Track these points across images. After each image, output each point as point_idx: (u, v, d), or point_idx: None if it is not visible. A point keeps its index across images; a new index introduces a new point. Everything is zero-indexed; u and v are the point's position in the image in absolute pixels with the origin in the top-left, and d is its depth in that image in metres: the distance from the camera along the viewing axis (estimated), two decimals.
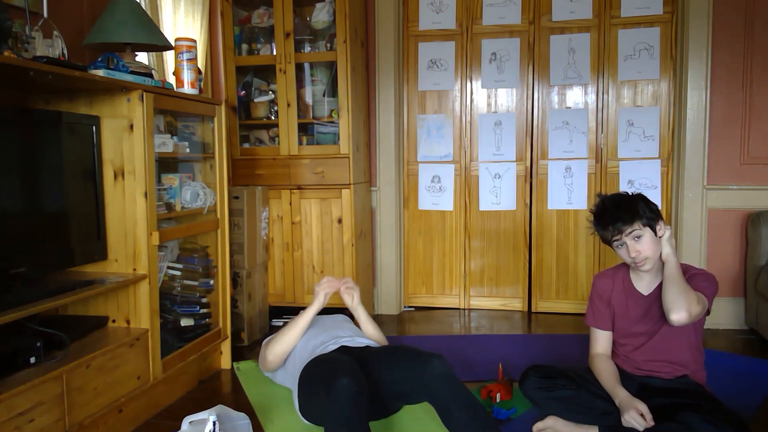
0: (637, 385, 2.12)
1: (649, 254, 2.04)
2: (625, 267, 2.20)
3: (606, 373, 2.12)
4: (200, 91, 2.73)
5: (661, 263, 2.08)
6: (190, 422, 2.01)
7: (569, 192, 3.85)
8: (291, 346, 2.49)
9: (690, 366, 2.10)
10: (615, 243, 2.08)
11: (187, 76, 2.65)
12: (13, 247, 2.01)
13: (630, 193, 2.12)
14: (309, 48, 3.66)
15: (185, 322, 2.78)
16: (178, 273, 2.79)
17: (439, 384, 2.00)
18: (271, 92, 3.75)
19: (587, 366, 2.23)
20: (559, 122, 3.84)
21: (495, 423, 2.03)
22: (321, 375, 2.03)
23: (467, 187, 4.00)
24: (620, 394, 2.02)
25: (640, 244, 2.03)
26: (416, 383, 2.05)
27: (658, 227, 2.05)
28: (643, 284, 2.15)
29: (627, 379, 2.12)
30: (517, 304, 4.01)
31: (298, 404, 2.27)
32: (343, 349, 2.30)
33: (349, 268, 3.58)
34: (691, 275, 2.07)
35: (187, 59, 2.65)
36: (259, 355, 2.67)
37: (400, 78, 4.00)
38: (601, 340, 2.22)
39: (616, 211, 2.06)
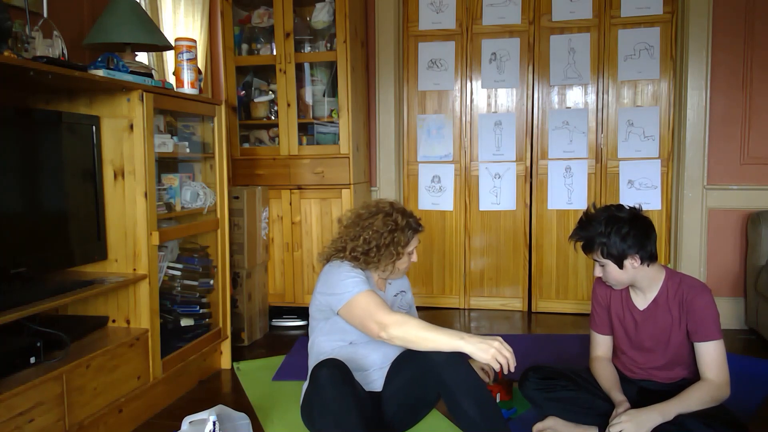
0: (636, 388, 2.12)
1: (611, 281, 2.04)
2: None
3: (605, 376, 2.11)
4: (200, 91, 2.72)
5: (652, 279, 2.03)
6: (190, 422, 2.01)
7: (569, 192, 3.85)
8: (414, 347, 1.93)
9: (689, 374, 2.09)
10: None
11: (187, 76, 2.65)
12: (13, 247, 2.01)
13: (618, 216, 1.96)
14: (309, 48, 3.66)
15: (185, 322, 2.78)
16: (178, 273, 2.79)
17: (445, 368, 1.89)
18: (271, 92, 3.75)
19: (587, 366, 2.22)
20: (559, 122, 3.84)
21: (503, 418, 1.93)
22: (310, 380, 1.99)
23: (467, 187, 4.00)
24: (617, 399, 2.02)
25: (602, 270, 2.02)
26: (425, 373, 1.95)
27: (628, 261, 1.96)
28: (639, 299, 2.10)
29: (626, 382, 2.12)
30: (517, 304, 4.01)
31: (301, 411, 2.22)
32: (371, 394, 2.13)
33: None
34: (689, 308, 1.98)
35: (187, 59, 2.65)
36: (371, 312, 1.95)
37: (400, 78, 4.00)
38: (602, 344, 2.21)
39: (581, 233, 2.02)
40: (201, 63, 3.48)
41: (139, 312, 2.40)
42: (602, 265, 2.01)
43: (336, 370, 1.86)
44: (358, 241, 2.09)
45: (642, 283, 2.04)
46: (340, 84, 3.56)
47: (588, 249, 2.01)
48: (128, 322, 2.41)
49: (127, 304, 2.41)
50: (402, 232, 2.11)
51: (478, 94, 3.95)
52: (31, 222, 2.11)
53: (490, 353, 1.76)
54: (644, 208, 2.08)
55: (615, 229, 1.94)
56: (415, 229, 2.16)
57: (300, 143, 3.64)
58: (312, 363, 2.15)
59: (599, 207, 2.05)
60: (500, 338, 1.80)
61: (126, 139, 2.35)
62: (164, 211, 2.55)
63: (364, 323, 1.95)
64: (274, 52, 3.61)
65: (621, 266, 1.98)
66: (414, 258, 2.20)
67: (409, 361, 2.05)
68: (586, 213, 2.05)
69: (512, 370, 1.78)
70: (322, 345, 2.14)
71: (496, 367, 1.77)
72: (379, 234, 2.08)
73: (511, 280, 4.01)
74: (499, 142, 3.93)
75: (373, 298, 1.97)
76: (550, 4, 3.79)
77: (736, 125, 3.51)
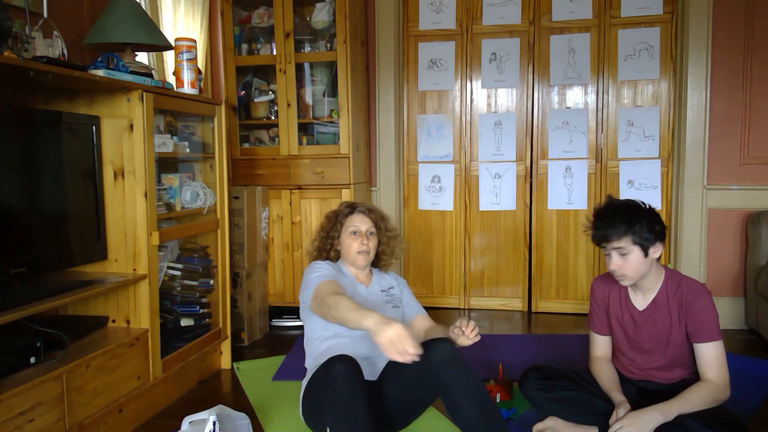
0: (636, 389, 2.12)
1: (629, 274, 1.98)
2: None
3: (605, 377, 2.11)
4: (200, 91, 2.73)
5: (654, 278, 2.03)
6: (190, 422, 2.02)
7: (569, 192, 3.85)
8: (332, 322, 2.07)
9: (688, 374, 2.09)
10: (603, 249, 2.03)
11: (187, 76, 2.65)
12: (13, 247, 2.01)
13: (641, 204, 2.00)
14: (309, 48, 3.66)
15: (185, 322, 2.78)
16: (178, 273, 2.79)
17: (445, 369, 1.92)
18: (271, 92, 3.75)
19: (587, 366, 2.22)
20: (559, 122, 3.84)
21: (502, 418, 1.95)
22: (321, 374, 2.00)
23: (467, 187, 4.00)
24: (617, 400, 2.01)
25: (623, 260, 1.97)
26: (424, 370, 1.95)
27: (651, 250, 1.97)
28: (639, 299, 2.09)
29: (625, 383, 2.11)
30: (517, 304, 4.01)
31: (302, 409, 2.24)
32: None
33: None
34: (689, 310, 1.98)
35: (187, 59, 2.65)
36: (302, 291, 2.20)
37: (400, 78, 4.00)
38: (601, 345, 2.20)
39: (611, 219, 1.98)
40: (201, 63, 3.48)
41: (139, 312, 2.40)
42: (624, 254, 1.96)
43: (350, 367, 1.88)
44: (316, 237, 2.42)
45: (645, 281, 2.03)
46: (340, 84, 3.56)
47: (618, 235, 1.95)
48: (128, 322, 2.41)
49: (127, 304, 2.41)
50: (339, 215, 2.37)
51: (478, 94, 3.95)
52: (31, 222, 2.11)
53: (385, 337, 1.73)
54: None
55: (646, 216, 1.96)
56: (347, 213, 2.37)
57: (300, 143, 3.64)
58: (309, 360, 2.23)
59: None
60: (399, 326, 1.74)
61: (126, 139, 2.35)
62: (164, 211, 2.55)
63: (322, 311, 2.04)
64: (274, 52, 3.61)
65: (646, 254, 1.96)
66: (362, 242, 2.29)
67: (408, 368, 2.05)
68: (613, 202, 2.04)
69: (407, 361, 1.72)
70: (312, 342, 2.23)
71: (392, 357, 1.72)
72: (323, 225, 2.41)
73: (511, 280, 4.01)
74: (499, 142, 3.93)
75: (328, 286, 2.08)
76: (550, 4, 3.79)
77: (736, 125, 3.51)
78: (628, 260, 1.97)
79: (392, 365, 2.12)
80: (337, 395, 1.85)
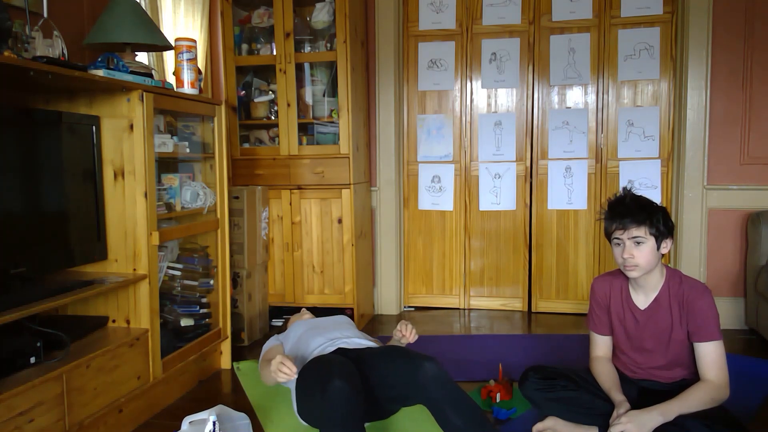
0: (637, 389, 2.12)
1: (642, 263, 1.98)
2: (624, 275, 2.13)
3: (605, 376, 2.11)
4: (200, 91, 2.73)
5: (656, 277, 2.04)
6: (190, 422, 2.01)
7: (569, 192, 3.85)
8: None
9: (689, 374, 2.08)
10: (614, 239, 2.02)
11: (187, 76, 2.65)
12: (13, 247, 2.01)
13: (655, 203, 2.04)
14: (309, 48, 3.66)
15: (185, 322, 2.78)
16: (178, 273, 2.79)
17: (432, 387, 2.00)
18: (271, 92, 3.75)
19: (587, 366, 2.22)
20: (559, 122, 3.85)
21: (491, 425, 2.03)
22: (316, 376, 2.03)
23: (467, 187, 4.00)
24: (617, 399, 2.01)
25: (637, 250, 1.97)
26: (411, 386, 2.04)
27: (663, 244, 2.00)
28: (640, 298, 2.09)
29: (626, 382, 2.11)
30: (517, 304, 4.01)
31: (296, 406, 2.28)
32: (340, 351, 2.29)
33: (349, 269, 3.58)
34: (689, 309, 1.99)
35: (187, 59, 2.65)
36: (259, 361, 2.57)
37: (400, 78, 4.00)
38: (601, 345, 2.20)
39: (632, 207, 2.00)
40: (201, 63, 3.48)
41: (139, 312, 2.40)
42: (639, 243, 1.97)
43: (348, 386, 1.93)
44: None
45: (649, 279, 2.04)
46: (340, 84, 3.56)
47: (637, 223, 1.97)
48: (128, 322, 2.42)
49: (127, 304, 2.41)
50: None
51: (478, 94, 3.95)
52: (31, 222, 2.11)
53: (273, 363, 2.09)
54: None
55: (661, 211, 2.01)
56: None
57: (300, 143, 3.64)
58: (298, 363, 2.32)
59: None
60: (280, 357, 2.09)
61: (126, 139, 2.35)
62: (164, 211, 2.55)
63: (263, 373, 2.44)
64: (274, 52, 3.61)
65: (659, 246, 1.99)
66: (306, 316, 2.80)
67: (395, 375, 2.11)
68: (630, 194, 2.05)
69: (292, 377, 2.09)
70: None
71: (279, 378, 2.07)
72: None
73: (511, 280, 4.01)
74: (499, 142, 3.93)
75: (267, 349, 2.52)
76: (550, 4, 3.79)
77: (736, 125, 3.52)
78: (642, 250, 1.98)
79: (378, 363, 2.19)
80: (334, 412, 1.89)
